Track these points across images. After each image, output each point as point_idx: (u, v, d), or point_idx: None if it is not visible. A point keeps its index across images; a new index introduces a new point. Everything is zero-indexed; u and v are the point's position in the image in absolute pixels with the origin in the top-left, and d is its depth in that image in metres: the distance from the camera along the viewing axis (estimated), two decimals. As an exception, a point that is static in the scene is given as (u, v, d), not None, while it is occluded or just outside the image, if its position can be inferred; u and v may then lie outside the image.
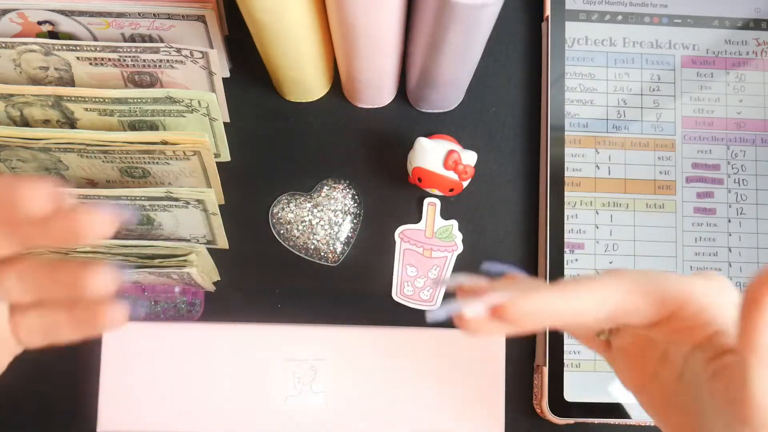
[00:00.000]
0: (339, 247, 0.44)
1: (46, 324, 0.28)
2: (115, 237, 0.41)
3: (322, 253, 0.44)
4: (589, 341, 0.32)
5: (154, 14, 0.38)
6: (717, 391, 0.27)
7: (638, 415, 0.42)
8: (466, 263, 0.44)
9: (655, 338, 0.29)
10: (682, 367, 0.29)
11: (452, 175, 0.40)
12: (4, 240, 0.26)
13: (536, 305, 0.26)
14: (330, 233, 0.44)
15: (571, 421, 0.42)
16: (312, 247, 0.44)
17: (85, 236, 0.26)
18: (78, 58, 0.39)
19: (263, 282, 0.44)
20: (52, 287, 0.27)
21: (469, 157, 0.40)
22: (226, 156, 0.44)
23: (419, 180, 0.41)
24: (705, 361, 0.27)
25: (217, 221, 0.41)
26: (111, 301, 0.28)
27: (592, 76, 0.45)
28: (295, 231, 0.44)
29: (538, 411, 0.43)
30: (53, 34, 0.40)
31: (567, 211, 0.44)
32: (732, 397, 0.26)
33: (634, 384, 0.31)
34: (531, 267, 0.45)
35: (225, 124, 0.43)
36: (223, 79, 0.41)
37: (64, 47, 0.38)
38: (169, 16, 0.39)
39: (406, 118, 0.46)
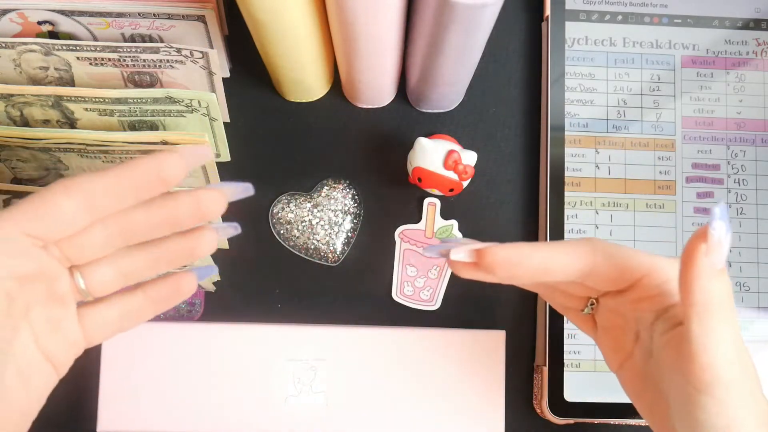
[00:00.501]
0: (339, 247, 0.44)
1: (122, 312, 0.29)
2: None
3: (322, 253, 0.44)
4: (576, 318, 0.33)
5: (154, 14, 0.38)
6: (669, 360, 0.27)
7: (638, 415, 0.42)
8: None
9: (624, 312, 0.31)
10: (649, 345, 0.30)
11: (452, 175, 0.40)
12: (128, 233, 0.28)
13: (512, 254, 0.28)
14: (330, 233, 0.44)
15: (571, 421, 0.42)
16: (312, 247, 0.44)
17: (211, 214, 0.28)
18: (78, 58, 0.39)
19: (263, 282, 0.44)
20: (148, 271, 0.29)
21: (469, 157, 0.40)
22: (226, 156, 0.44)
23: (419, 180, 0.41)
24: (662, 332, 0.28)
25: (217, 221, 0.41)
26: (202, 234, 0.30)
27: (592, 76, 0.45)
28: (295, 231, 0.44)
29: (538, 411, 0.43)
30: (53, 34, 0.40)
31: (567, 211, 0.44)
32: (680, 364, 0.26)
33: (614, 364, 0.32)
34: (531, 267, 0.45)
35: (225, 124, 0.43)
36: (223, 79, 0.41)
37: (64, 47, 0.38)
38: (169, 16, 0.39)
39: (406, 118, 0.46)
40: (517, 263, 0.28)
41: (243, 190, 0.30)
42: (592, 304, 0.32)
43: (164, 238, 0.29)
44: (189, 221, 0.29)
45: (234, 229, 0.31)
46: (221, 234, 0.30)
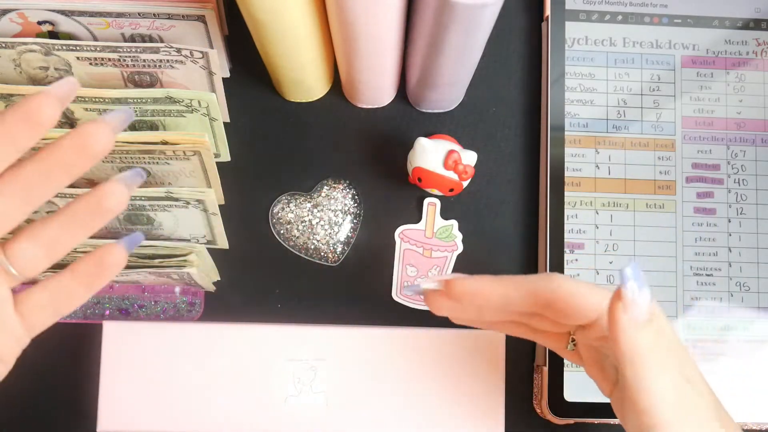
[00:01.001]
0: (339, 247, 0.44)
1: (53, 294, 0.28)
2: (116, 237, 0.41)
3: (322, 253, 0.44)
4: (565, 354, 0.35)
5: (154, 14, 0.38)
6: (624, 398, 0.30)
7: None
8: (466, 263, 0.44)
9: (597, 346, 0.32)
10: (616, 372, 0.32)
11: (452, 175, 0.40)
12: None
13: (475, 284, 0.31)
14: (330, 233, 0.44)
15: (571, 421, 0.42)
16: (312, 247, 0.44)
17: (97, 145, 0.27)
18: (78, 58, 0.39)
19: (263, 282, 0.44)
20: (65, 233, 0.28)
21: (469, 157, 0.40)
22: (226, 156, 0.44)
23: (419, 180, 0.41)
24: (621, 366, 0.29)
25: (217, 221, 0.41)
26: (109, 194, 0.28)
27: (592, 76, 0.45)
28: (295, 231, 0.44)
29: (538, 411, 0.43)
30: (53, 34, 0.40)
31: (567, 211, 0.44)
32: (629, 405, 0.29)
33: (605, 391, 0.33)
34: (531, 267, 0.45)
35: (225, 124, 0.43)
36: (223, 79, 0.41)
37: (64, 47, 0.38)
38: (169, 16, 0.39)
39: (406, 118, 0.46)
40: (480, 291, 0.31)
41: (125, 115, 0.29)
42: (573, 341, 0.34)
43: (73, 201, 0.28)
44: (79, 161, 0.27)
45: (138, 175, 0.29)
46: (126, 181, 0.29)
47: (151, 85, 0.40)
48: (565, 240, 0.43)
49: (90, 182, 0.41)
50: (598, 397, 0.42)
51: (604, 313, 0.29)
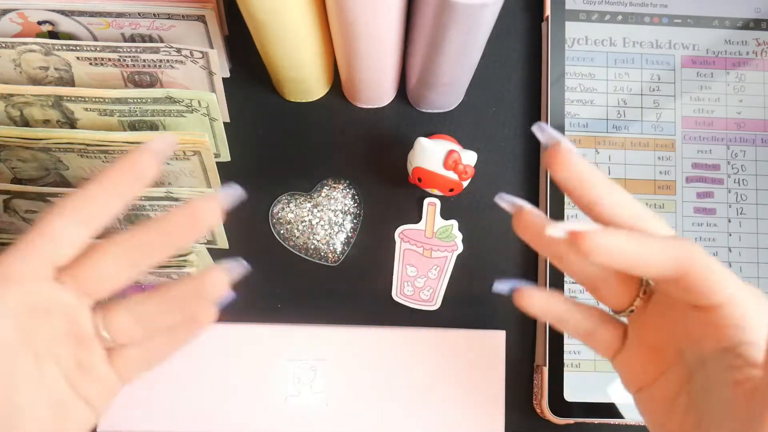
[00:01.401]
0: (339, 247, 0.44)
1: (146, 352, 0.30)
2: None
3: (322, 253, 0.44)
4: (600, 337, 0.32)
5: (154, 14, 0.38)
6: (734, 401, 0.26)
7: (637, 415, 0.42)
8: (466, 263, 0.44)
9: (678, 328, 0.29)
10: (695, 368, 0.29)
11: (452, 175, 0.40)
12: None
13: (613, 242, 0.27)
14: (330, 233, 0.44)
15: (571, 421, 0.42)
16: (312, 247, 0.44)
17: (206, 221, 0.29)
18: (78, 58, 0.39)
19: (263, 282, 0.44)
20: (162, 313, 0.30)
21: (469, 157, 0.40)
22: (226, 156, 0.44)
23: (419, 180, 0.41)
24: (728, 367, 0.27)
25: (217, 221, 0.41)
26: (209, 300, 0.30)
27: (592, 76, 0.45)
28: (295, 231, 0.44)
29: (538, 411, 0.43)
30: (53, 34, 0.40)
31: (567, 211, 0.44)
32: (749, 413, 0.25)
33: (639, 381, 0.31)
34: (531, 267, 0.45)
35: (225, 124, 0.43)
36: (223, 79, 0.41)
37: (64, 47, 0.38)
38: (169, 16, 0.39)
39: (406, 118, 0.46)
40: (622, 251, 0.27)
41: (235, 192, 0.31)
42: (631, 311, 0.31)
43: (175, 282, 0.30)
44: (186, 233, 0.29)
45: (241, 266, 0.31)
46: (229, 272, 0.31)
47: (151, 85, 0.40)
48: (565, 240, 0.43)
49: (90, 182, 0.41)
50: (598, 397, 0.42)
51: (733, 305, 0.27)
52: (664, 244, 0.27)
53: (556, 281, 0.43)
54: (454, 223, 0.44)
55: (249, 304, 0.44)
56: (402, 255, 0.44)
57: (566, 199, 0.44)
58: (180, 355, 0.41)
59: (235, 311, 0.43)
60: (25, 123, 0.40)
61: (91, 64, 0.39)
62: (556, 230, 0.28)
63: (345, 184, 0.45)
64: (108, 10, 0.38)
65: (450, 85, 0.42)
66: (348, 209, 0.44)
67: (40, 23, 0.39)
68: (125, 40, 0.40)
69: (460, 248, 0.44)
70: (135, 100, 0.38)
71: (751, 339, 0.27)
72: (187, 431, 0.40)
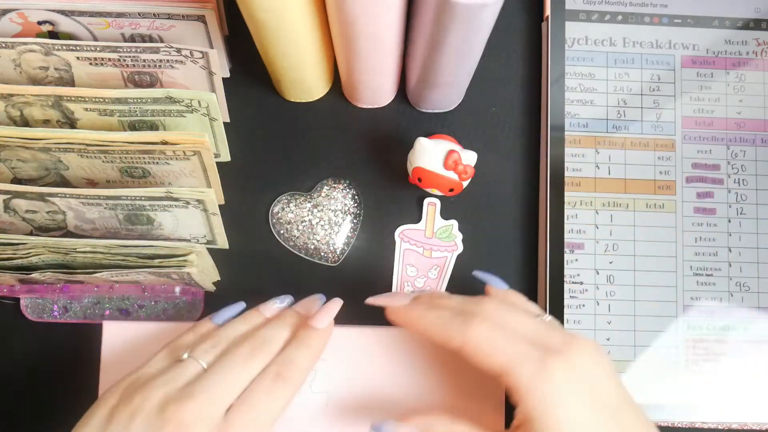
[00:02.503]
0: (339, 247, 0.44)
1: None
2: (116, 237, 0.41)
3: (322, 253, 0.44)
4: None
5: (154, 14, 0.38)
6: None
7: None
8: (466, 263, 0.44)
9: None
10: None
11: (452, 175, 0.40)
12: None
13: (404, 319, 0.36)
14: (330, 233, 0.44)
15: (571, 421, 0.42)
16: (312, 247, 0.44)
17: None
18: (78, 58, 0.39)
19: (263, 282, 0.44)
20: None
21: (469, 157, 0.40)
22: (226, 156, 0.44)
23: (419, 180, 0.41)
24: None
25: (217, 221, 0.41)
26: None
27: (592, 76, 0.45)
28: (295, 231, 0.44)
29: (538, 411, 0.43)
30: (53, 34, 0.40)
31: (567, 211, 0.44)
32: None
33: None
34: (531, 267, 0.45)
35: (225, 124, 0.43)
36: (223, 79, 0.41)
37: (64, 47, 0.38)
38: (169, 16, 0.39)
39: (406, 118, 0.46)
40: (409, 326, 0.35)
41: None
42: None
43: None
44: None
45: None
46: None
47: (151, 85, 0.40)
48: (565, 240, 0.43)
49: (90, 182, 0.41)
50: (598, 397, 0.42)
51: (505, 373, 0.31)
52: (442, 326, 0.33)
53: (556, 281, 0.43)
54: (454, 223, 0.44)
55: (249, 304, 0.44)
56: (402, 255, 0.44)
57: (566, 199, 0.44)
58: (180, 355, 0.41)
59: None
60: (25, 123, 0.40)
61: (91, 64, 0.39)
62: (372, 300, 0.38)
63: (345, 184, 0.45)
64: (108, 10, 0.38)
65: (450, 85, 0.42)
66: (348, 209, 0.44)
67: (40, 23, 0.39)
68: (125, 40, 0.40)
69: (460, 248, 0.44)
70: (135, 100, 0.38)
71: (519, 408, 0.31)
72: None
